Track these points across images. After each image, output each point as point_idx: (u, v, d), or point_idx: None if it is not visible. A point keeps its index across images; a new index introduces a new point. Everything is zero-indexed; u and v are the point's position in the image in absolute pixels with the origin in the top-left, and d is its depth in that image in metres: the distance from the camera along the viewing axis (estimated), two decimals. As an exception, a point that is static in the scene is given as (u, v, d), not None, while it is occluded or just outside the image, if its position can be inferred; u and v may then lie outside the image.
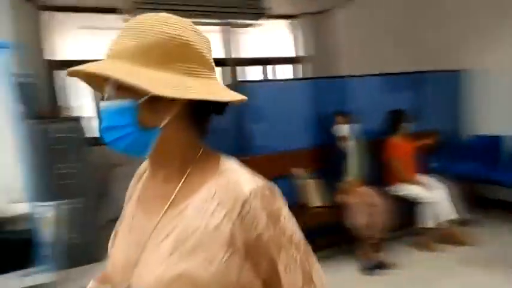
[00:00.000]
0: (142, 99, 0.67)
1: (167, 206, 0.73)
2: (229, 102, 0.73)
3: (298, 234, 0.73)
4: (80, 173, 3.23)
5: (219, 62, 5.80)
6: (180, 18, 0.71)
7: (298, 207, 3.43)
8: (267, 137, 3.55)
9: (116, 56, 0.68)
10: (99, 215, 3.60)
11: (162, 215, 0.72)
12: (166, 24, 0.68)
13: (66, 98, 5.10)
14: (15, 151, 2.89)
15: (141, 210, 0.79)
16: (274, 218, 0.70)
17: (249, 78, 6.32)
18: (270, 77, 7.07)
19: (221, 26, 5.54)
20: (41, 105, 3.75)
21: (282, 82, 4.31)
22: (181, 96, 0.65)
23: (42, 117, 3.30)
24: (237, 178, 0.71)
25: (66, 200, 1.97)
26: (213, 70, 0.73)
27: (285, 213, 0.72)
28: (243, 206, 0.68)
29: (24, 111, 2.95)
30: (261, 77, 6.95)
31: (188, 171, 0.74)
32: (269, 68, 7.04)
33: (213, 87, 0.70)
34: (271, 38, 6.49)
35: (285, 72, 6.92)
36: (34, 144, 2.95)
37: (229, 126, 3.69)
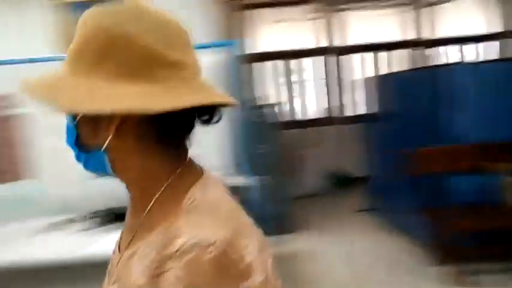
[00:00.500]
0: (79, 117, 0.57)
1: (126, 245, 0.60)
2: (217, 107, 0.59)
3: None
4: (273, 153, 3.61)
5: (411, 43, 5.49)
6: (129, 5, 0.56)
7: (498, 208, 3.03)
8: (464, 125, 3.23)
9: (64, 62, 0.58)
10: (288, 191, 3.97)
11: (120, 257, 0.61)
12: (100, 15, 0.55)
13: (262, 87, 5.70)
14: (226, 134, 3.44)
15: (119, 242, 0.67)
16: None
17: (444, 59, 5.76)
18: (461, 56, 6.30)
19: (411, 6, 5.20)
20: (243, 94, 4.31)
21: (485, 64, 3.81)
22: (84, 110, 0.53)
23: (245, 105, 3.82)
24: (185, 222, 0.53)
25: (264, 176, 2.24)
26: (173, 68, 0.55)
27: None
28: (165, 262, 0.50)
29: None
30: (456, 58, 6.25)
31: (152, 201, 0.58)
32: (456, 47, 6.27)
33: (156, 93, 0.53)
34: (463, 15, 5.74)
35: (479, 50, 6.05)
36: (239, 128, 3.40)
37: (424, 113, 3.50)
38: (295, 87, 6.16)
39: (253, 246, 0.54)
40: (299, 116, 6.15)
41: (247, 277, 0.51)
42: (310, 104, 6.53)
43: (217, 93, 0.58)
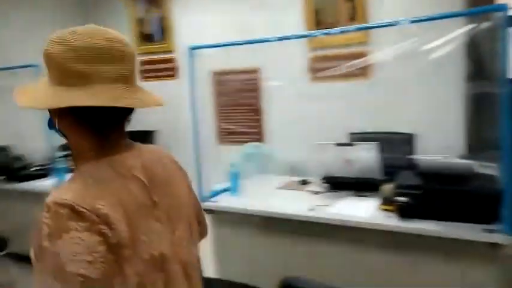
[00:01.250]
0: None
1: None
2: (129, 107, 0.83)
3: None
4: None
5: None
6: (66, 30, 0.79)
7: None
8: None
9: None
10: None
11: None
12: (47, 41, 0.80)
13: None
14: (460, 111, 3.12)
15: None
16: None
17: None
18: None
19: None
20: (487, 66, 3.77)
21: None
22: (20, 103, 0.80)
23: (483, 78, 3.36)
24: (59, 187, 0.78)
25: (507, 163, 1.93)
26: (80, 77, 0.77)
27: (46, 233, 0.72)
28: (42, 215, 0.74)
29: (471, 72, 3.08)
30: None
31: (79, 170, 0.82)
32: None
33: (60, 95, 0.77)
34: None
35: None
36: (479, 104, 3.06)
37: None
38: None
39: (111, 208, 0.75)
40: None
41: (104, 227, 0.73)
42: None
43: (123, 96, 0.79)
